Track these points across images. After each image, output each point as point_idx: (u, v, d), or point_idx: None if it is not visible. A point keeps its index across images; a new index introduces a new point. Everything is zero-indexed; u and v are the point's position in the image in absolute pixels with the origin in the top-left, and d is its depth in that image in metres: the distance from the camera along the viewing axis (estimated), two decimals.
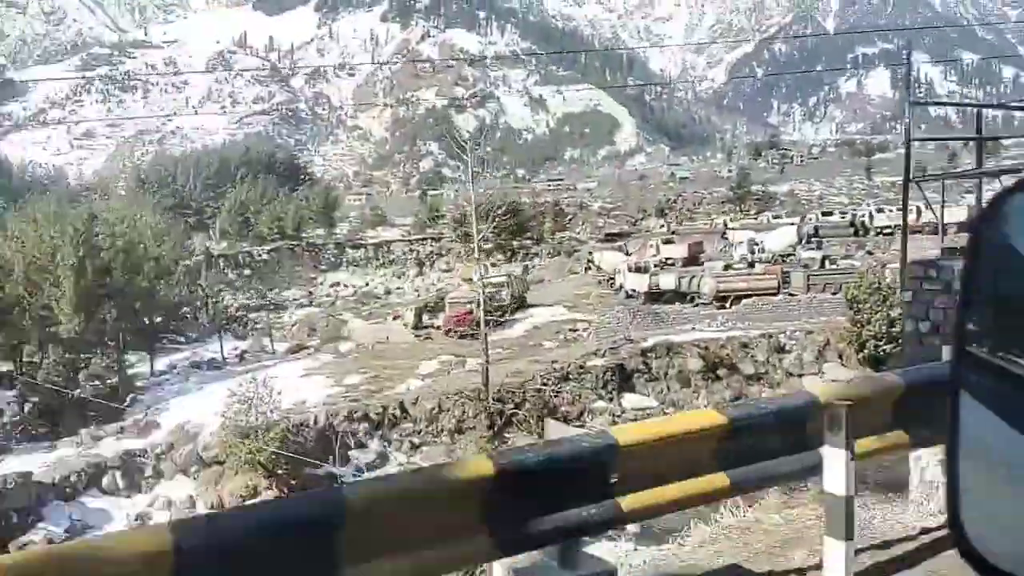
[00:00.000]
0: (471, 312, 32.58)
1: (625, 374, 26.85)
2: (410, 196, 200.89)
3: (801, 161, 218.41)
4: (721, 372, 27.96)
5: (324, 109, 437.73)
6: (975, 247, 1.19)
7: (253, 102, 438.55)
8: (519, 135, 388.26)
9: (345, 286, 72.06)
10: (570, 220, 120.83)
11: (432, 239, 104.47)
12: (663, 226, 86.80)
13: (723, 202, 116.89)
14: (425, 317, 38.13)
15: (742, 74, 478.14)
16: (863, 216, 57.12)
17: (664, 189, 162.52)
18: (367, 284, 77.33)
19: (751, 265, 36.89)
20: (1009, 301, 1.15)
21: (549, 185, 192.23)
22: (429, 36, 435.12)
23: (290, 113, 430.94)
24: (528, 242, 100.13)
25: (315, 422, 23.35)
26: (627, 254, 48.92)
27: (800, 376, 28.73)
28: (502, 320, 35.50)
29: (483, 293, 29.68)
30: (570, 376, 26.08)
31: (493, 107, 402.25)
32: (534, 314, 36.90)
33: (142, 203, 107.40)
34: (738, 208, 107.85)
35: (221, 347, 39.90)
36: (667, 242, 52.70)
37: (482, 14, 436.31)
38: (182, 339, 49.07)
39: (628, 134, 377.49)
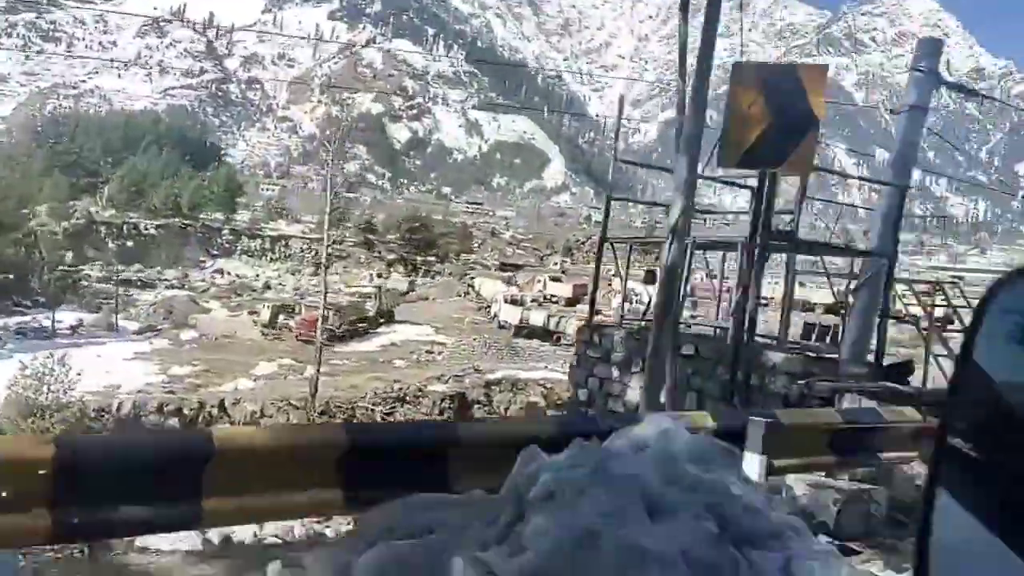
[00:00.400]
0: (322, 319, 31.26)
1: (464, 403, 26.08)
2: (328, 195, 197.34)
3: (712, 226, 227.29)
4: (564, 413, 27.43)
5: (256, 95, 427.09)
6: (970, 336, 1.13)
7: (183, 75, 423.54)
8: (450, 154, 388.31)
9: (228, 274, 69.07)
10: (480, 245, 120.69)
11: (335, 241, 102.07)
12: (566, 263, 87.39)
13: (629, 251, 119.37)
14: (282, 317, 36.50)
15: (672, 134, 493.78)
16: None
17: (578, 230, 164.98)
18: (256, 276, 74.47)
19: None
20: (1000, 398, 1.06)
21: (468, 208, 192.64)
22: (375, 42, 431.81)
23: (220, 93, 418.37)
24: (432, 259, 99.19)
25: (118, 409, 21.56)
26: (508, 285, 48.47)
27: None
28: (363, 332, 34.30)
29: (341, 303, 28.46)
30: (407, 399, 25.11)
31: (428, 123, 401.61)
32: (398, 331, 35.85)
33: (34, 156, 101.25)
34: (642, 256, 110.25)
35: (53, 316, 37.07)
36: (554, 279, 52.67)
37: (431, 30, 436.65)
38: (28, 303, 45.71)
39: (556, 171, 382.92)
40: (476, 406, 26.97)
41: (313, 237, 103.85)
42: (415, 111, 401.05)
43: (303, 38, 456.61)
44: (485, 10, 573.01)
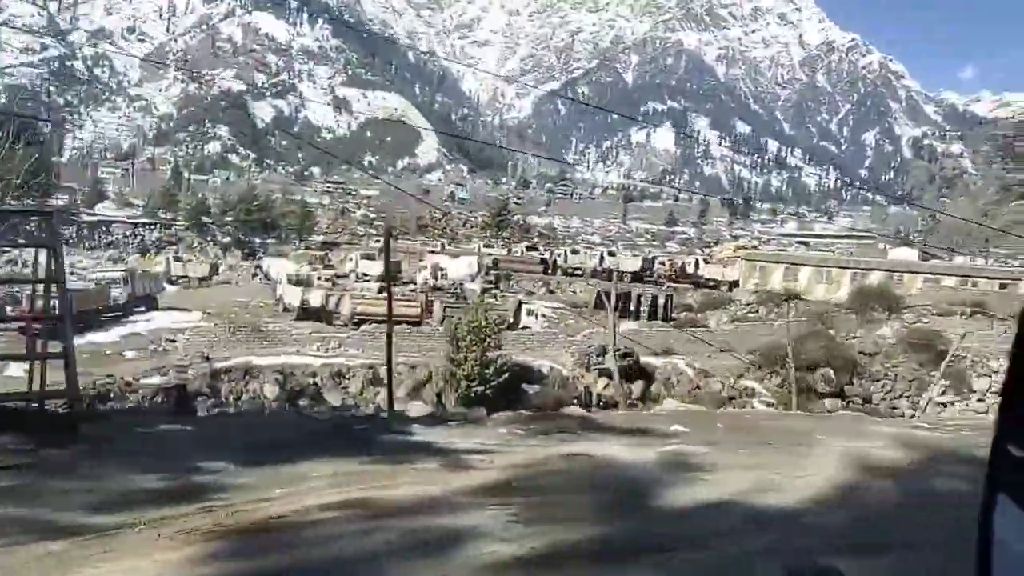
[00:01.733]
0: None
1: (183, 396, 23.75)
2: (188, 179, 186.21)
3: (579, 199, 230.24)
4: (302, 402, 25.64)
5: (104, 72, 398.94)
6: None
7: (21, 52, 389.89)
8: (318, 132, 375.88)
9: (22, 265, 62.78)
10: (331, 224, 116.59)
11: (163, 225, 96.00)
12: (440, 243, 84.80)
13: (484, 227, 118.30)
14: (10, 308, 32.76)
15: (547, 109, 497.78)
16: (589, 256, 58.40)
17: (442, 207, 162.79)
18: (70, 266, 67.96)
19: (380, 290, 35.51)
20: None
21: (328, 187, 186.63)
22: (233, 15, 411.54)
23: (63, 71, 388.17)
24: (272, 240, 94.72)
25: None
26: (314, 264, 45.94)
27: (386, 412, 27.07)
28: (105, 322, 31.16)
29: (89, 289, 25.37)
30: (112, 395, 22.55)
31: (294, 100, 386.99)
32: (154, 319, 32.91)
33: None
34: (495, 234, 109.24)
35: None
36: (367, 257, 50.54)
37: (294, 2, 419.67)
38: None
39: (429, 148, 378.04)
40: (200, 398, 24.69)
41: (140, 222, 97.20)
42: (279, 88, 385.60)
43: (155, 11, 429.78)
44: None
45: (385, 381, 28.51)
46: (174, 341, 28.99)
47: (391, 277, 48.31)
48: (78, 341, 30.83)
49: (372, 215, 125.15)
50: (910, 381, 30.93)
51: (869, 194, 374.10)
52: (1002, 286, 36.15)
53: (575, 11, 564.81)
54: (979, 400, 30.55)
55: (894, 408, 29.76)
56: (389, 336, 19.95)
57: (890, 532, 5.10)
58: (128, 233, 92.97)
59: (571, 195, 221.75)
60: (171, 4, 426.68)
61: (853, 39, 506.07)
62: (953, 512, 5.06)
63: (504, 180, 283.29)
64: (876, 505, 5.66)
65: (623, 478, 6.36)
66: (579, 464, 6.78)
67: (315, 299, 35.51)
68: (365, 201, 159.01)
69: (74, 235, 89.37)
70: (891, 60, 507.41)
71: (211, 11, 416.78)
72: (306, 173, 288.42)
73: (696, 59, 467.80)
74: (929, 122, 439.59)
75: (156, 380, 24.10)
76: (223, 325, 28.70)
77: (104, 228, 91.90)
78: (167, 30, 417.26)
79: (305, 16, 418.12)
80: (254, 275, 49.81)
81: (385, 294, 36.34)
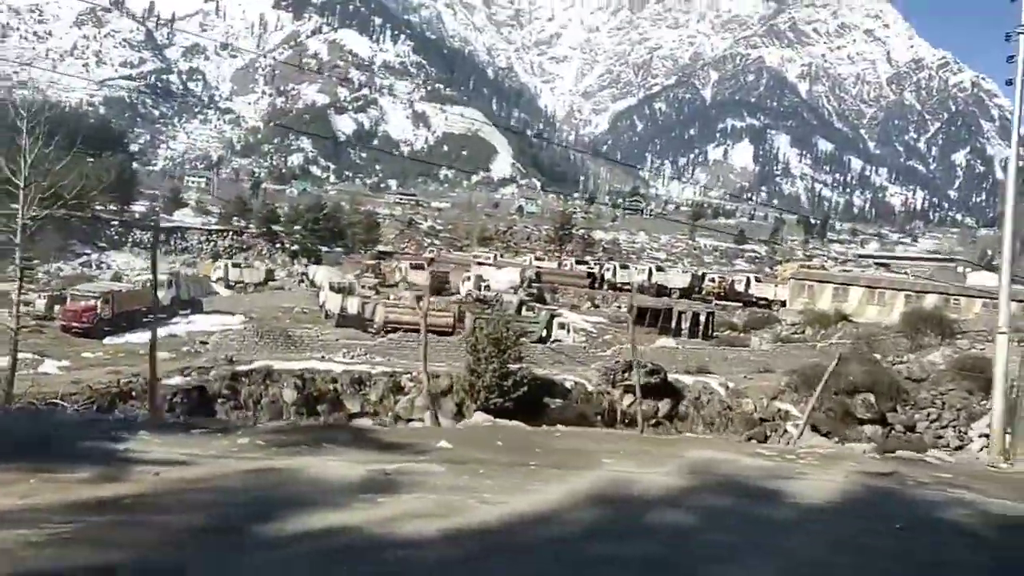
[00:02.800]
0: (95, 308, 29.30)
1: (205, 398, 24.32)
2: (269, 188, 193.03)
3: (650, 214, 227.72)
4: (321, 407, 25.94)
5: (198, 86, 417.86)
6: None
7: (121, 65, 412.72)
8: (397, 146, 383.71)
9: (106, 267, 66.32)
10: (397, 235, 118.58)
11: (235, 232, 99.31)
12: (494, 255, 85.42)
13: (548, 240, 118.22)
14: (57, 308, 34.24)
15: (623, 125, 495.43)
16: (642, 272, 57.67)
17: (508, 220, 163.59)
18: (131, 269, 71.29)
19: (418, 299, 35.73)
20: None
21: (401, 199, 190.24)
22: (320, 32, 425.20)
23: (159, 85, 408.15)
24: (340, 249, 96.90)
25: None
26: (365, 274, 46.72)
27: (408, 421, 27.24)
28: (147, 322, 32.34)
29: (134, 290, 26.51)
30: (133, 394, 23.29)
31: (375, 114, 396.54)
32: (195, 321, 33.99)
33: None
34: (558, 248, 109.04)
35: None
36: (416, 267, 51.18)
37: (378, 20, 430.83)
38: None
39: (504, 162, 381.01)
40: (220, 400, 25.22)
41: (214, 228, 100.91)
42: (361, 102, 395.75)
43: (247, 28, 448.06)
44: (435, 0, 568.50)
45: (406, 390, 28.81)
46: (206, 343, 29.82)
47: (438, 288, 48.80)
48: (116, 340, 32.17)
49: (439, 227, 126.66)
50: (958, 410, 29.19)
51: (958, 216, 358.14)
52: None
53: (655, 28, 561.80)
54: None
55: (939, 438, 28.13)
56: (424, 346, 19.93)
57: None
58: (203, 239, 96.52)
59: (641, 211, 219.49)
60: (262, 21, 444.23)
61: (944, 57, 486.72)
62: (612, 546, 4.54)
63: (576, 195, 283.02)
64: (523, 542, 4.86)
65: (252, 497, 5.80)
66: (236, 482, 6.15)
67: (352, 307, 36.05)
68: (436, 213, 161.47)
69: (150, 240, 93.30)
70: (984, 79, 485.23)
71: (299, 28, 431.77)
72: (382, 185, 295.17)
73: (778, 76, 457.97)
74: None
75: (177, 380, 24.68)
76: (253, 329, 29.39)
77: (179, 234, 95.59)
78: (257, 46, 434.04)
79: (388, 33, 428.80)
80: (300, 282, 50.99)
81: (419, 303, 36.74)
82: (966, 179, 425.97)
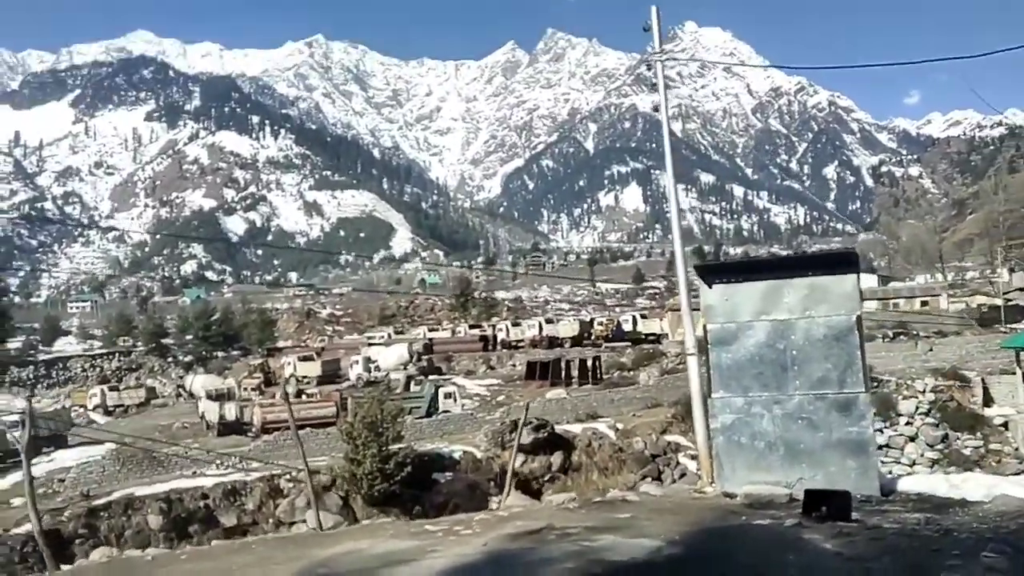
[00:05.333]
0: None
1: (61, 541, 22.43)
2: (159, 301, 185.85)
3: (552, 267, 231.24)
4: (193, 528, 24.39)
5: (75, 209, 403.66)
6: None
7: None
8: (292, 239, 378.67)
9: None
10: (297, 328, 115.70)
11: (122, 353, 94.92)
12: (386, 333, 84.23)
13: (451, 308, 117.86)
14: None
15: (515, 186, 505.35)
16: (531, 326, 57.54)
17: (410, 295, 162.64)
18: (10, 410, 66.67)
19: (298, 394, 34.55)
20: None
21: (300, 291, 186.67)
22: (198, 137, 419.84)
23: (33, 212, 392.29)
24: (237, 352, 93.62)
25: None
26: (254, 372, 44.91)
27: (291, 525, 26.03)
28: (3, 467, 30.09)
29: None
30: None
31: (265, 210, 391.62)
32: (57, 459, 31.71)
33: None
34: (462, 315, 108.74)
35: None
36: (305, 359, 49.64)
37: (255, 118, 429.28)
38: None
39: (403, 239, 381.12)
40: (78, 541, 23.39)
41: (97, 353, 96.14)
42: (249, 201, 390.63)
43: (120, 144, 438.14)
44: (312, 91, 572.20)
45: (284, 493, 27.50)
46: (63, 481, 27.80)
47: (330, 377, 47.39)
48: None
49: (339, 312, 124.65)
50: None
51: (839, 225, 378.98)
52: (923, 303, 35.72)
53: (529, 90, 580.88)
54: (906, 424, 29.68)
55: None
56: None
57: None
58: (87, 365, 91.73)
59: (543, 265, 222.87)
60: (135, 135, 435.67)
61: (799, 82, 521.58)
62: None
63: (479, 259, 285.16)
64: None
65: None
66: None
67: (230, 413, 34.51)
68: (337, 300, 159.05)
69: (30, 376, 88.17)
70: (839, 96, 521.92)
71: (175, 136, 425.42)
72: (282, 280, 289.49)
73: (652, 120, 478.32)
74: (885, 149, 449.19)
75: (28, 528, 22.69)
76: (113, 457, 27.62)
77: (61, 364, 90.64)
78: (134, 160, 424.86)
79: (268, 129, 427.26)
80: (178, 395, 48.76)
81: (297, 398, 35.46)
82: (839, 190, 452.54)
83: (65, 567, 9.26)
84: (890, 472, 25.96)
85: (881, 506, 7.33)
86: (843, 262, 8.23)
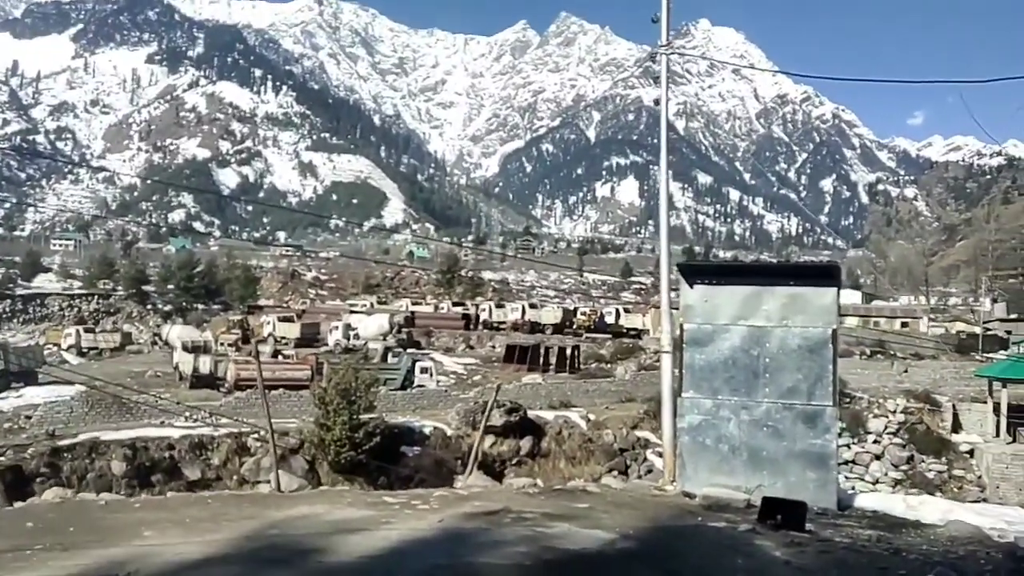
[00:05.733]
0: None
1: (22, 478, 22.38)
2: (144, 247, 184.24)
3: (541, 252, 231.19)
4: (156, 477, 24.36)
5: (67, 145, 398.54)
6: None
7: None
8: (284, 197, 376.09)
9: None
10: (280, 288, 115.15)
11: (101, 296, 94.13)
12: (369, 302, 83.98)
13: (437, 284, 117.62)
14: None
15: (513, 167, 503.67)
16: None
17: (397, 267, 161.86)
18: None
19: (275, 354, 34.44)
20: None
21: (286, 251, 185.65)
22: (198, 85, 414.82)
23: (25, 145, 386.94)
24: (217, 307, 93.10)
25: None
26: (232, 328, 44.74)
27: (255, 484, 26.01)
28: None
29: None
30: None
31: (259, 166, 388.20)
32: (26, 394, 31.55)
33: None
34: (446, 291, 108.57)
35: None
36: (285, 319, 49.46)
37: (258, 72, 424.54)
38: None
39: (396, 209, 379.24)
40: (39, 479, 23.31)
41: (76, 293, 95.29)
42: (244, 155, 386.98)
43: (119, 84, 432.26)
44: (317, 51, 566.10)
45: (252, 451, 27.47)
46: (30, 418, 27.63)
47: (308, 340, 47.26)
48: None
49: (324, 277, 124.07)
50: None
51: (829, 239, 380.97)
52: (903, 324, 36.08)
53: (537, 72, 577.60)
54: (874, 442, 30.01)
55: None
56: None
57: None
58: (64, 305, 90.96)
59: (532, 249, 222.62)
60: (135, 76, 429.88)
61: (805, 91, 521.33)
62: None
63: (469, 237, 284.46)
64: None
65: None
66: None
67: (205, 366, 34.37)
68: (323, 263, 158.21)
69: (6, 310, 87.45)
70: (844, 110, 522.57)
71: (175, 82, 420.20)
72: (270, 238, 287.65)
73: (655, 114, 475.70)
74: (883, 167, 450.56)
75: None
76: (82, 399, 27.45)
77: (39, 300, 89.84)
78: (131, 102, 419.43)
79: (269, 84, 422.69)
80: (153, 343, 48.52)
81: (274, 358, 35.34)
82: (834, 204, 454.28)
83: (18, 504, 9.19)
84: (852, 488, 26.30)
85: (836, 520, 7.40)
86: (825, 275, 8.26)
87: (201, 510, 6.41)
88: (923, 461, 30.46)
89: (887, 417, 30.96)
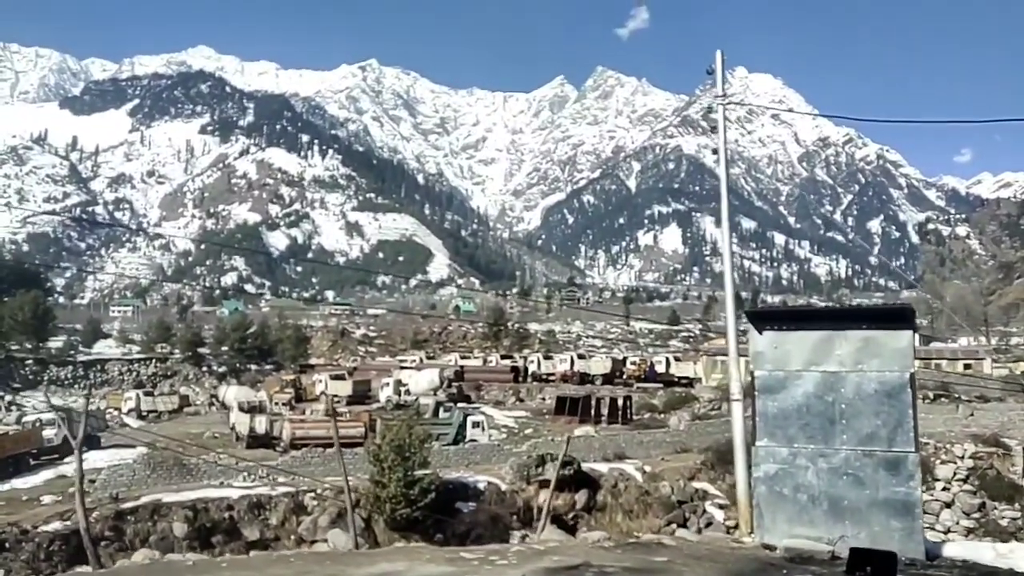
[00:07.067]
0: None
1: (89, 542, 22.68)
2: (198, 311, 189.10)
3: (587, 302, 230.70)
4: (216, 538, 24.49)
5: (125, 215, 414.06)
6: None
7: (44, 201, 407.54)
8: (331, 257, 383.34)
9: (7, 408, 63.11)
10: (331, 346, 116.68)
11: (158, 359, 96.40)
12: (419, 357, 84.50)
13: (484, 336, 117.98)
14: None
15: (555, 219, 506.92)
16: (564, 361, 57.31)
17: (444, 321, 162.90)
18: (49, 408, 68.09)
19: (331, 412, 34.69)
20: None
21: (336, 310, 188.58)
22: (248, 152, 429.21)
23: (85, 217, 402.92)
24: (270, 367, 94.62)
25: None
26: (285, 388, 45.35)
27: (312, 543, 25.99)
28: (34, 464, 30.61)
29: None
30: (6, 544, 21.61)
31: (307, 227, 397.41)
32: (89, 458, 32.16)
33: None
34: (494, 344, 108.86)
35: None
36: (336, 378, 50.03)
37: (305, 137, 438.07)
38: None
39: (441, 264, 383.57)
40: (103, 543, 23.61)
41: (135, 358, 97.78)
42: (293, 217, 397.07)
43: (174, 154, 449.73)
44: (361, 114, 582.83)
45: (309, 510, 27.49)
46: (94, 482, 28.16)
47: (360, 397, 47.66)
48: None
49: (372, 333, 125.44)
50: None
51: (881, 280, 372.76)
52: (966, 366, 34.89)
53: (575, 125, 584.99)
54: (943, 489, 28.81)
55: None
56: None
57: None
58: (124, 369, 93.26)
59: (577, 299, 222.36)
60: (188, 146, 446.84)
61: (847, 133, 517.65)
62: None
63: (514, 290, 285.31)
64: None
65: None
66: None
67: (261, 426, 34.80)
68: (371, 320, 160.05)
69: (69, 376, 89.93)
70: (888, 150, 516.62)
71: (227, 150, 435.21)
72: (319, 298, 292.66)
73: (696, 162, 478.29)
74: (932, 207, 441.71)
75: (56, 526, 23.05)
76: (144, 461, 27.96)
77: (99, 366, 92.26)
78: (185, 171, 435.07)
79: (316, 148, 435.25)
80: (210, 404, 49.34)
81: (327, 416, 35.63)
82: (884, 245, 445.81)
83: (109, 566, 9.37)
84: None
85: (926, 570, 7.14)
86: (899, 317, 8.12)
87: (285, 568, 6.46)
88: (995, 508, 29.08)
89: (955, 463, 29.74)
